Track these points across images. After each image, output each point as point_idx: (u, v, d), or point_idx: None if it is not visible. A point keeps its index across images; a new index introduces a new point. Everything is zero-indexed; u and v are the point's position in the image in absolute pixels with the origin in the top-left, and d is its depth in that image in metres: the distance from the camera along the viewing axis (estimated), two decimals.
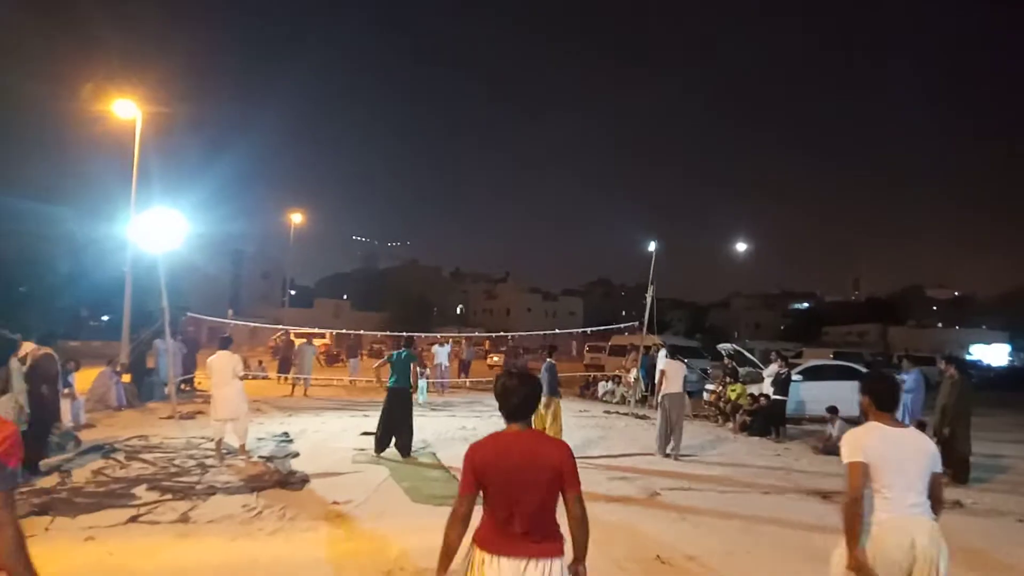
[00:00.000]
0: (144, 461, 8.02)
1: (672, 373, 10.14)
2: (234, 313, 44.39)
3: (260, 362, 22.64)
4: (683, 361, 10.79)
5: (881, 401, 3.24)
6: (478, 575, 2.63)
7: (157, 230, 12.91)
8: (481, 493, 2.68)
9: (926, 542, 2.95)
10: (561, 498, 2.65)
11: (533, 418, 9.22)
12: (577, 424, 12.73)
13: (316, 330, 18.60)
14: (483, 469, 2.66)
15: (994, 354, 52.17)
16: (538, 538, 2.63)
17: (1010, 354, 53.66)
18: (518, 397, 2.76)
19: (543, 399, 9.06)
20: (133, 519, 5.76)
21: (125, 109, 17.28)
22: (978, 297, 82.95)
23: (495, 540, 2.64)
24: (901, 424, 3.23)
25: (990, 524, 6.72)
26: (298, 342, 20.34)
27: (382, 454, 8.86)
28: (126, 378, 13.83)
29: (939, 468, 3.11)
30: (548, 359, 10.70)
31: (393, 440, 8.98)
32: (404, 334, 12.50)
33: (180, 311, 17.65)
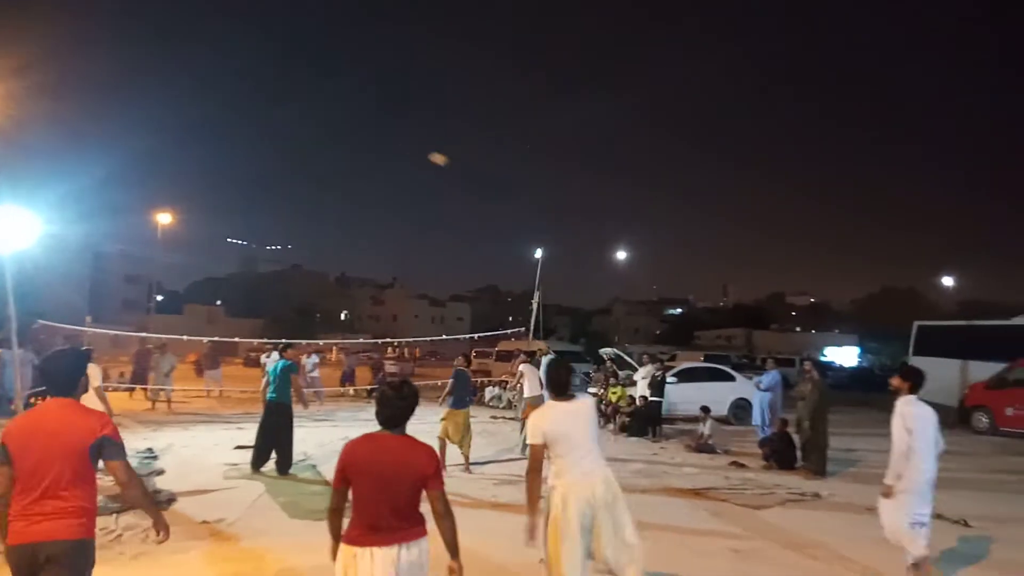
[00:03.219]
0: None
1: (530, 377, 10.50)
2: (93, 320, 41.02)
3: (122, 373, 21.01)
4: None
5: (554, 386, 4.09)
6: (352, 571, 2.83)
7: (4, 229, 11.68)
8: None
9: (602, 491, 3.78)
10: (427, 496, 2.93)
11: (449, 430, 8.91)
12: None
13: (169, 336, 17.36)
14: (354, 468, 2.90)
15: (845, 356, 57.07)
16: (405, 526, 2.88)
17: (859, 356, 58.88)
18: (391, 408, 2.97)
19: (460, 412, 9.03)
20: None
21: None
22: (832, 304, 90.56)
23: (365, 535, 2.85)
24: (572, 399, 3.97)
25: (843, 514, 7.31)
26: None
27: (260, 470, 8.43)
28: None
29: (595, 420, 4.00)
30: (459, 367, 9.54)
31: (273, 457, 8.51)
32: (281, 341, 12.00)
33: (31, 318, 16.08)
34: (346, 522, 2.97)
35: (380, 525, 2.85)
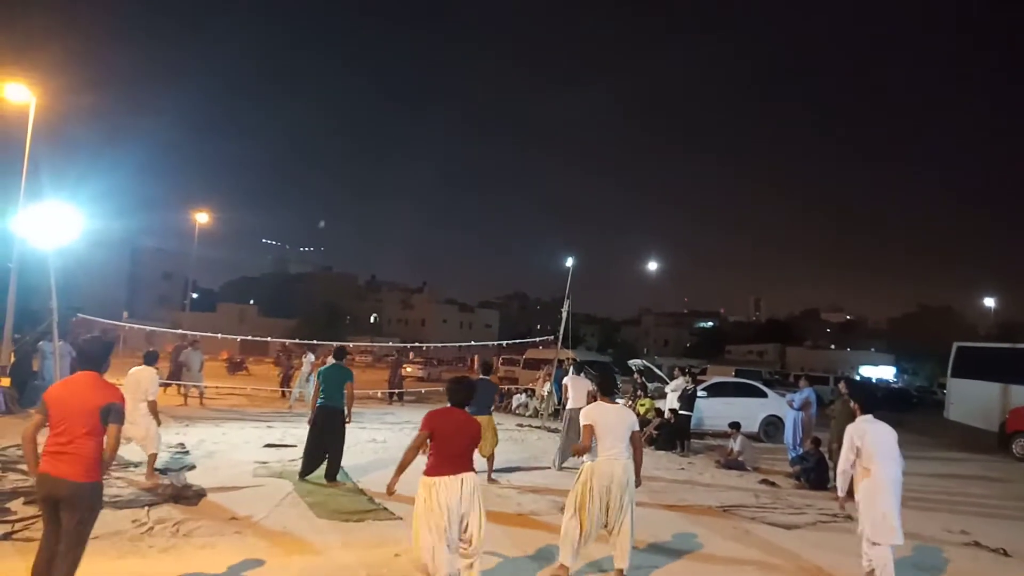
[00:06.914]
0: (22, 472, 7.38)
1: (575, 388, 10.31)
2: (129, 315, 41.96)
3: (157, 369, 21.40)
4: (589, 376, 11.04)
5: (603, 389, 5.48)
6: (429, 494, 4.28)
7: (48, 224, 12.00)
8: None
9: (620, 472, 4.97)
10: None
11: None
12: None
13: (202, 334, 17.52)
14: (437, 422, 4.48)
15: (881, 375, 55.81)
16: (468, 464, 4.49)
17: (895, 376, 57.55)
18: (459, 395, 4.72)
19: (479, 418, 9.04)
20: (7, 536, 5.30)
21: (16, 93, 16.09)
22: (868, 322, 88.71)
23: (440, 466, 4.36)
24: (614, 402, 5.30)
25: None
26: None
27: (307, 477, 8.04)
28: (5, 381, 12.79)
29: (636, 428, 5.17)
30: (482, 376, 9.37)
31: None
32: (314, 342, 12.10)
33: (70, 312, 16.51)
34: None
35: (455, 456, 4.41)
